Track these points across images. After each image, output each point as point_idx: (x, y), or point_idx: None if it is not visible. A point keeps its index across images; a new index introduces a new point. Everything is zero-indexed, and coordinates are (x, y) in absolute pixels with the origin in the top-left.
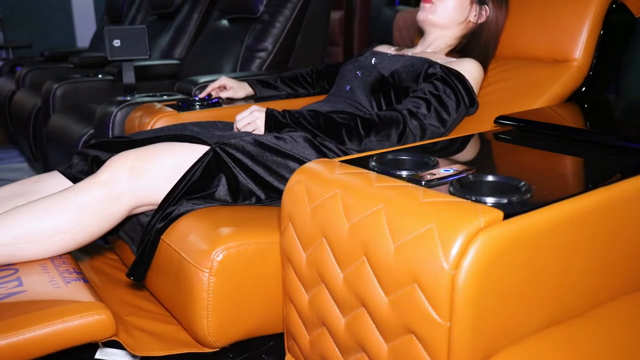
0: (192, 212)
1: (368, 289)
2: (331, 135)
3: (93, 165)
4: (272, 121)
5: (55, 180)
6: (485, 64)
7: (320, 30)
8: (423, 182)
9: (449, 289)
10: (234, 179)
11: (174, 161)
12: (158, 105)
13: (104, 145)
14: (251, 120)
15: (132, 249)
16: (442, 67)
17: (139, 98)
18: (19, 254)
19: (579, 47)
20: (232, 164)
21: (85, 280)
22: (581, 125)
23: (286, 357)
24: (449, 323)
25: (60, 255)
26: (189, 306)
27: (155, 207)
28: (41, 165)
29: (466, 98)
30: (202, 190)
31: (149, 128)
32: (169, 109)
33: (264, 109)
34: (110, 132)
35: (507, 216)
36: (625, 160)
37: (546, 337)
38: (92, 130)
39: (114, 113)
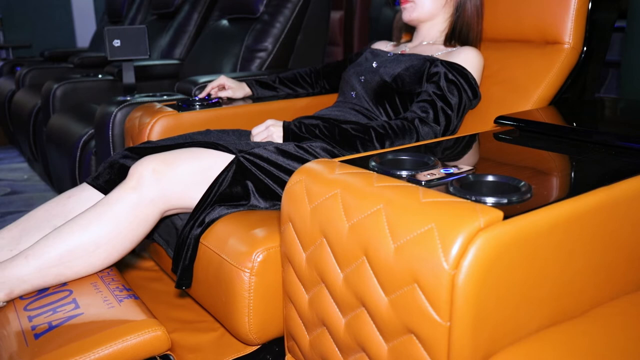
0: (227, 216)
1: (368, 289)
2: (346, 147)
3: (119, 174)
4: (290, 135)
5: (86, 193)
6: (478, 40)
7: (320, 30)
8: (423, 182)
9: (449, 289)
10: (262, 184)
11: (198, 166)
12: (158, 105)
13: (130, 152)
14: (268, 134)
15: (167, 252)
16: (443, 63)
17: (139, 98)
18: (68, 272)
19: (568, 26)
20: (258, 171)
21: (136, 297)
22: (581, 125)
23: (286, 357)
24: (449, 323)
25: (108, 272)
26: (230, 305)
27: (186, 209)
28: (41, 165)
29: (469, 92)
30: (232, 198)
31: (149, 128)
32: (169, 109)
33: (280, 123)
34: (110, 132)
35: (507, 216)
36: (625, 160)
37: (546, 337)
38: (92, 130)
39: (114, 113)
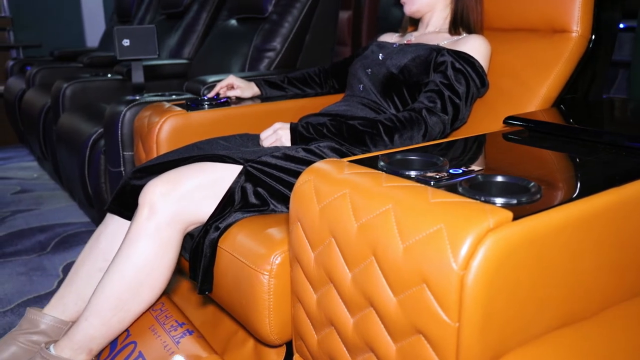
0: (243, 219)
1: (376, 289)
2: (355, 144)
3: (132, 195)
4: (298, 136)
5: (111, 225)
6: (480, 24)
7: (328, 30)
8: (432, 182)
9: (458, 290)
10: (275, 190)
11: (205, 180)
12: (167, 105)
13: (139, 171)
14: (276, 138)
15: (184, 256)
16: (450, 52)
17: (147, 97)
18: (127, 315)
19: (576, 14)
20: (268, 179)
21: (190, 332)
22: (591, 126)
23: (294, 357)
24: (458, 323)
25: (161, 308)
26: (251, 307)
27: (204, 223)
28: (50, 164)
29: (477, 80)
30: (247, 207)
31: (158, 127)
32: (178, 109)
33: (287, 125)
34: (119, 131)
35: (516, 217)
36: (635, 161)
37: (555, 339)
38: (102, 130)
39: (123, 112)
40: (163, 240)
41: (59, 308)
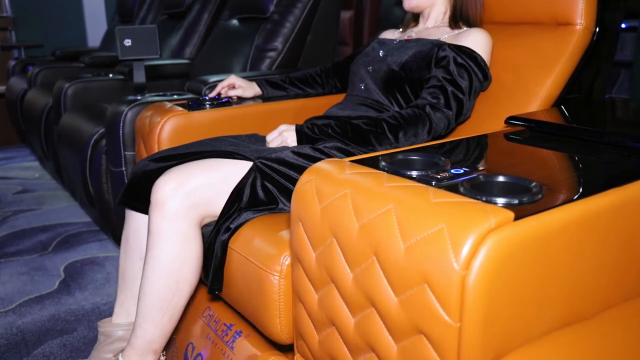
0: (253, 219)
1: (378, 289)
2: (360, 143)
3: (144, 182)
4: (304, 137)
5: (132, 225)
6: (480, 18)
7: (330, 30)
8: (433, 183)
9: (459, 290)
10: (284, 188)
11: (216, 177)
12: (168, 105)
13: (153, 160)
14: (282, 140)
15: None
16: (451, 47)
17: (149, 97)
18: (176, 312)
19: (580, 6)
20: (277, 176)
21: (239, 333)
22: (593, 126)
23: (295, 357)
24: (459, 324)
25: (209, 313)
26: (261, 308)
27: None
28: (52, 163)
29: (479, 74)
30: (256, 204)
31: (159, 127)
32: (179, 108)
33: (293, 127)
34: (120, 131)
35: (518, 217)
36: (637, 161)
37: (557, 339)
38: (103, 130)
39: (124, 112)
40: (183, 234)
41: (122, 314)
